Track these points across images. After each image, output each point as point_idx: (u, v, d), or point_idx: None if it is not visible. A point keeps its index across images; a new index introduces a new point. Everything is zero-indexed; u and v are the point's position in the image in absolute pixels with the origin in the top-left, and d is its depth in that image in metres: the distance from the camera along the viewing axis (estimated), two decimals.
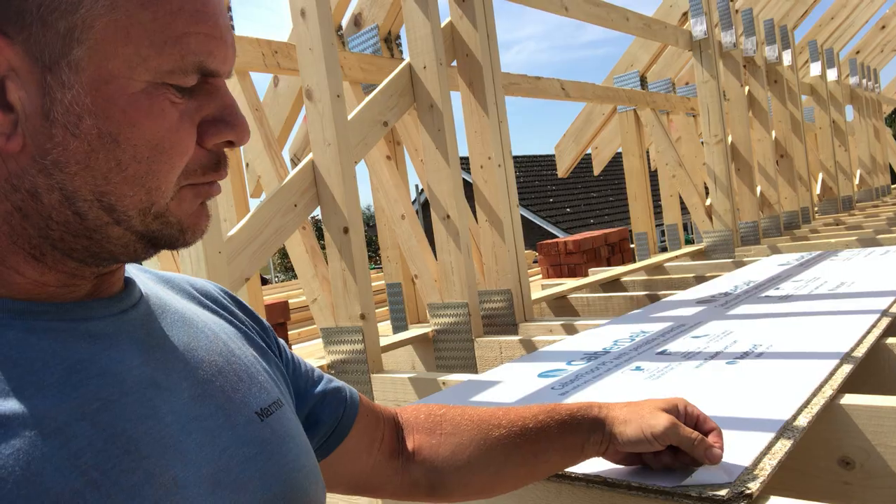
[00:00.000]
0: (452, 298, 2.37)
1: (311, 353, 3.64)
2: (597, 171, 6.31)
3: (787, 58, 5.65)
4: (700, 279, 3.22)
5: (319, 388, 0.75)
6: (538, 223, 15.86)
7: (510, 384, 1.44)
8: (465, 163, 3.02)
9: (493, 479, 0.81)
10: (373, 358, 2.04)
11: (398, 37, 3.07)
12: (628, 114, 4.84)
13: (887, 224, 4.85)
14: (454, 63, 2.56)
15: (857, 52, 8.68)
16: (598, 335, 1.84)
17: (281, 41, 2.61)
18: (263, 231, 1.94)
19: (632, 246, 5.55)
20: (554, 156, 6.01)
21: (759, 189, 4.95)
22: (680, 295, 2.44)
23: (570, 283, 3.46)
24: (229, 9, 2.59)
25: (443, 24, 2.44)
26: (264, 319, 0.73)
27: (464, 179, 2.41)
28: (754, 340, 1.52)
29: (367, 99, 2.27)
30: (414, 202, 14.96)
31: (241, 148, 2.89)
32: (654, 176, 5.11)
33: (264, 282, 15.87)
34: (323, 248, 2.24)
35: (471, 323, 2.34)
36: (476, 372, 2.25)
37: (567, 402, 0.84)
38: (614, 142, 5.80)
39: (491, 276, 2.57)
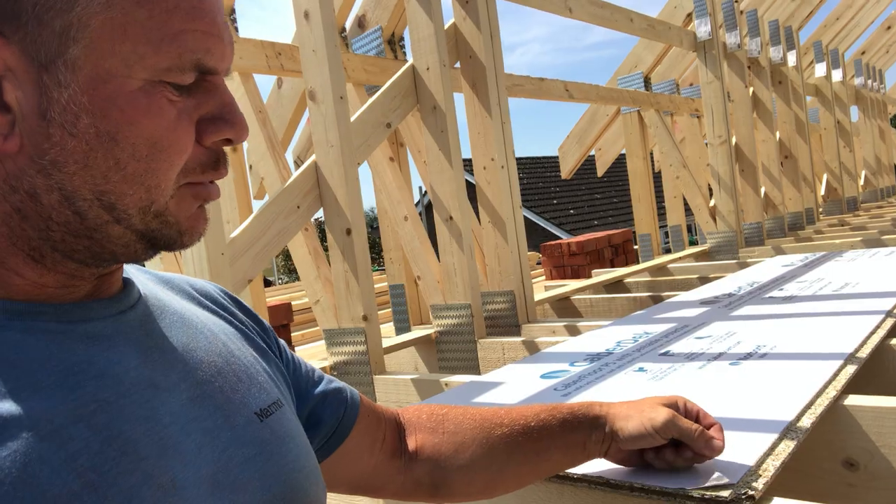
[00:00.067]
0: (455, 300, 2.37)
1: (314, 354, 3.64)
2: (600, 172, 6.30)
3: (791, 58, 5.64)
4: (704, 280, 3.21)
5: (320, 388, 0.75)
6: (542, 225, 15.84)
7: (513, 385, 1.44)
8: (468, 164, 3.01)
9: (495, 477, 0.81)
10: (375, 359, 2.04)
11: (402, 38, 3.07)
12: (632, 115, 4.83)
13: (892, 225, 4.83)
14: (458, 64, 2.56)
15: (863, 53, 8.65)
16: (602, 336, 1.83)
17: (284, 43, 2.62)
18: (266, 233, 1.94)
19: (635, 247, 5.54)
20: (557, 157, 6.00)
21: (763, 190, 4.94)
22: (683, 296, 2.43)
23: (573, 284, 3.45)
24: (233, 10, 2.60)
25: (446, 26, 2.44)
26: (265, 320, 0.73)
27: (467, 181, 2.41)
28: (758, 341, 1.51)
29: (371, 100, 2.27)
30: (417, 204, 14.97)
31: (245, 150, 2.89)
32: (657, 177, 5.11)
33: (268, 283, 15.89)
34: (326, 249, 2.25)
35: (473, 324, 2.33)
36: (479, 373, 2.24)
37: (569, 402, 0.84)
38: (618, 143, 5.79)
39: (494, 277, 2.57)
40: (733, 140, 4.53)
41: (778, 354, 1.38)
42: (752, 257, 4.05)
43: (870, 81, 8.41)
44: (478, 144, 2.53)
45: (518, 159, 17.86)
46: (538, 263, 6.86)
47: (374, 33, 2.99)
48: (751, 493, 0.78)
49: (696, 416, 0.82)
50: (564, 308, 3.07)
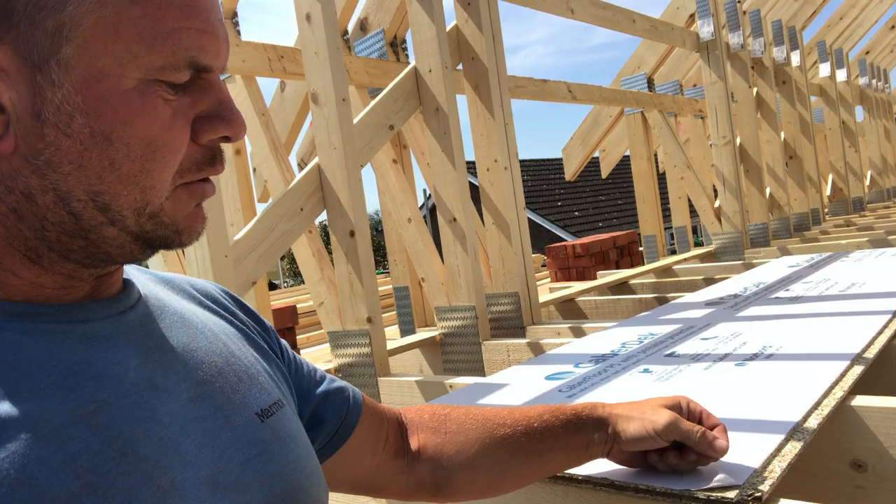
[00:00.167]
0: (459, 301, 2.37)
1: (319, 357, 3.64)
2: (604, 173, 6.29)
3: (795, 59, 5.62)
4: (709, 281, 3.20)
5: (322, 388, 0.74)
6: (546, 227, 15.83)
7: (517, 387, 1.43)
8: (471, 166, 3.02)
9: (497, 477, 0.81)
10: (380, 361, 2.03)
11: (404, 41, 3.08)
12: (636, 116, 4.82)
13: None
14: (460, 66, 2.56)
15: (867, 53, 8.62)
16: (606, 338, 1.83)
17: (287, 46, 2.62)
18: (269, 235, 1.94)
19: (640, 249, 5.53)
20: (561, 159, 6.00)
21: (768, 191, 4.92)
22: (689, 297, 2.42)
23: (578, 286, 3.44)
24: (235, 14, 2.61)
25: (448, 28, 2.44)
26: (266, 320, 0.72)
27: (470, 183, 2.41)
28: (764, 342, 1.50)
29: (373, 102, 2.27)
30: (422, 206, 14.96)
31: (248, 153, 2.90)
32: (662, 178, 5.10)
33: (273, 287, 15.91)
34: (329, 251, 2.24)
35: (478, 326, 2.33)
36: (483, 375, 2.24)
37: (572, 403, 0.84)
38: (622, 144, 5.79)
39: (498, 278, 2.56)
40: (737, 141, 4.52)
41: (784, 355, 1.38)
42: (758, 258, 4.03)
43: (874, 81, 8.38)
44: (481, 146, 2.53)
45: (522, 161, 17.88)
46: (543, 266, 6.85)
47: (377, 36, 2.99)
48: (757, 494, 0.78)
49: (699, 416, 0.81)
50: (569, 310, 3.06)
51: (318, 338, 4.74)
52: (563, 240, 13.10)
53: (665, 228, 5.09)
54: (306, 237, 2.38)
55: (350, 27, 3.13)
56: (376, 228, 20.78)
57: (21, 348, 0.46)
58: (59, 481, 0.42)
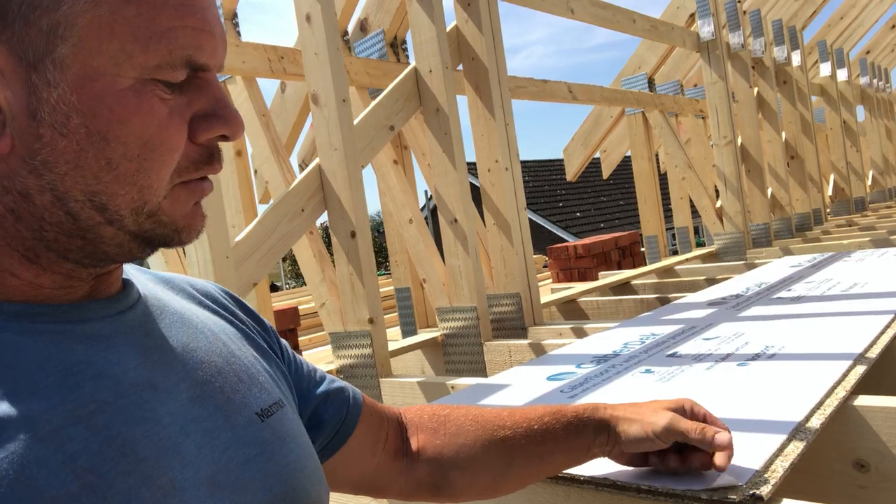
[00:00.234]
0: (461, 302, 2.36)
1: (321, 358, 3.64)
2: (606, 174, 6.29)
3: (796, 58, 5.62)
4: (711, 282, 3.20)
5: (322, 388, 0.74)
6: (548, 228, 15.82)
7: (519, 387, 1.43)
8: (472, 167, 3.02)
9: (497, 479, 0.80)
10: (381, 362, 2.03)
11: (404, 41, 3.08)
12: (637, 116, 4.81)
13: None
14: (460, 67, 2.56)
15: (868, 52, 8.61)
16: (608, 338, 1.82)
17: (287, 47, 2.62)
18: (271, 236, 1.94)
19: (642, 249, 5.52)
20: (563, 160, 6.00)
21: (769, 191, 4.91)
22: (691, 297, 2.42)
23: (579, 286, 3.44)
24: (235, 15, 2.61)
25: (448, 29, 2.44)
26: (266, 320, 0.72)
27: (471, 183, 2.40)
28: (766, 342, 1.50)
29: (374, 103, 2.27)
30: (423, 208, 14.97)
31: (249, 154, 2.90)
32: (663, 178, 5.09)
33: (275, 288, 15.91)
34: (331, 252, 2.24)
35: (480, 327, 2.33)
36: (485, 376, 2.24)
37: (573, 404, 0.83)
38: (623, 145, 5.78)
39: (499, 279, 2.56)
40: (739, 141, 4.52)
41: (786, 355, 1.37)
42: (760, 258, 4.03)
43: (875, 81, 8.37)
44: (482, 147, 2.53)
45: (523, 162, 17.88)
46: (545, 266, 6.85)
47: (377, 36, 2.99)
48: (759, 494, 0.77)
49: (702, 419, 0.80)
50: (571, 310, 3.06)
51: (320, 339, 4.74)
52: (565, 240, 13.09)
53: (667, 229, 5.08)
54: (307, 238, 2.38)
55: (350, 28, 3.13)
56: (377, 229, 20.79)
57: (20, 348, 0.46)
58: (58, 482, 0.42)
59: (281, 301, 6.83)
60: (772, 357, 1.37)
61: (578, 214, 16.85)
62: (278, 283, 22.21)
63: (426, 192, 15.75)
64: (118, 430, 0.47)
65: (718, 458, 0.76)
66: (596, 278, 4.53)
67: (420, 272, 2.60)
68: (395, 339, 2.64)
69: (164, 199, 0.50)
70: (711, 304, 2.16)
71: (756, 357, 1.38)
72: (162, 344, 0.55)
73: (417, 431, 0.81)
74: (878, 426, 1.02)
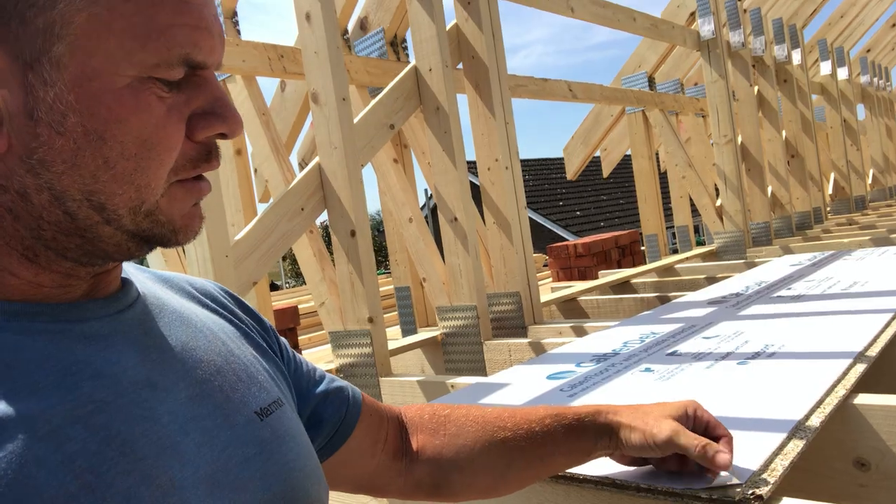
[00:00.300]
0: (461, 301, 2.36)
1: (321, 357, 3.64)
2: (606, 173, 6.28)
3: (796, 57, 5.61)
4: (711, 280, 3.19)
5: (321, 387, 0.74)
6: (548, 226, 15.82)
7: (519, 386, 1.43)
8: (472, 166, 3.02)
9: (497, 480, 0.80)
10: (381, 361, 2.03)
11: (404, 40, 3.07)
12: (637, 115, 4.81)
13: None
14: (460, 66, 2.55)
15: (868, 51, 8.61)
16: (608, 337, 1.82)
17: (287, 45, 2.62)
18: (270, 235, 1.94)
19: (642, 248, 5.52)
20: (563, 158, 5.99)
21: (770, 189, 4.91)
22: (691, 296, 2.42)
23: (579, 285, 3.44)
24: (234, 13, 2.61)
25: (448, 27, 2.44)
26: (265, 319, 0.72)
27: (471, 182, 2.40)
28: (766, 341, 1.50)
29: (373, 102, 2.27)
30: (423, 206, 14.96)
31: (249, 153, 2.90)
32: (663, 177, 5.09)
33: (275, 287, 15.92)
34: (331, 251, 2.25)
35: (479, 326, 2.33)
36: (485, 375, 2.24)
37: (575, 405, 0.83)
38: (623, 143, 5.78)
39: (499, 278, 2.56)
40: (739, 139, 4.51)
41: (786, 354, 1.37)
42: (760, 257, 4.03)
43: (876, 79, 8.36)
44: (482, 145, 2.53)
45: (523, 161, 17.87)
46: (545, 265, 6.85)
47: (377, 35, 2.99)
48: (759, 493, 0.77)
49: (704, 425, 0.79)
50: (571, 309, 3.06)
51: (320, 338, 4.74)
52: (565, 239, 13.09)
53: (667, 227, 5.08)
54: (307, 237, 2.38)
55: (350, 26, 3.13)
56: (377, 228, 20.80)
57: (19, 348, 0.46)
58: (57, 482, 0.42)
59: (281, 300, 6.83)
60: (772, 356, 1.37)
61: (578, 213, 16.85)
62: (278, 282, 22.22)
63: (426, 190, 15.75)
64: (117, 429, 0.46)
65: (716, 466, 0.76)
66: (596, 277, 4.53)
67: (420, 271, 2.60)
68: (394, 338, 2.64)
69: (162, 198, 0.50)
70: (711, 302, 2.16)
71: (756, 356, 1.38)
72: (161, 343, 0.55)
73: (417, 431, 0.81)
74: (878, 425, 1.02)
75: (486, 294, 2.45)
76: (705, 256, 4.29)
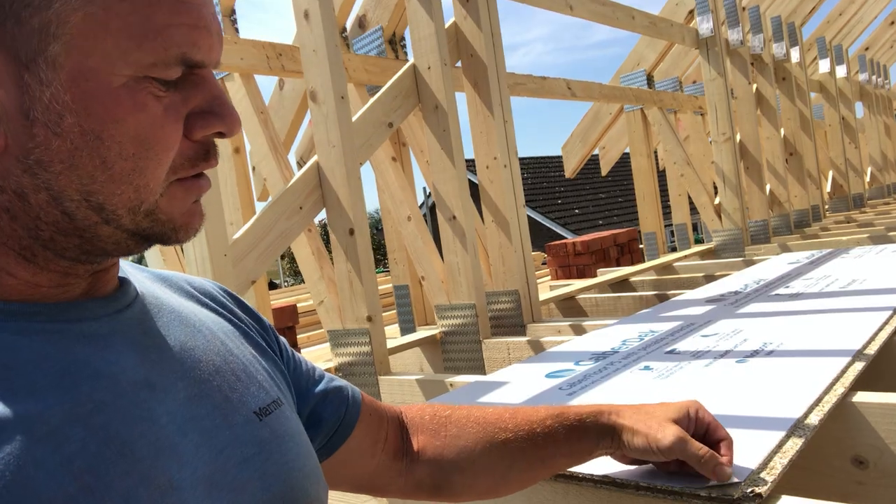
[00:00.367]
0: (459, 300, 2.36)
1: (319, 356, 3.64)
2: (604, 171, 6.29)
3: (794, 55, 5.62)
4: (709, 278, 3.20)
5: (321, 386, 0.74)
6: (546, 225, 15.82)
7: (518, 385, 1.43)
8: (471, 164, 3.01)
9: (498, 481, 0.80)
10: (380, 360, 2.03)
11: (402, 38, 3.07)
12: (635, 113, 4.81)
13: None
14: (459, 64, 2.55)
15: (867, 49, 8.61)
16: (607, 335, 1.82)
17: (285, 43, 2.62)
18: (269, 234, 1.94)
19: (641, 246, 5.53)
20: (561, 157, 5.99)
21: (768, 187, 4.92)
22: (689, 294, 2.42)
23: (578, 283, 3.44)
24: (233, 11, 2.60)
25: (447, 25, 2.44)
26: (265, 318, 0.72)
27: (470, 181, 2.40)
28: (764, 339, 1.50)
29: (372, 100, 2.26)
30: (421, 205, 14.95)
31: (247, 151, 2.89)
32: (662, 175, 5.09)
33: (273, 286, 15.91)
34: (329, 250, 2.24)
35: (478, 324, 2.32)
36: (484, 373, 2.24)
37: (576, 405, 0.82)
38: (622, 141, 5.78)
39: (498, 276, 2.56)
40: (737, 137, 4.52)
41: (785, 352, 1.37)
42: (758, 255, 4.03)
43: (874, 77, 8.37)
44: (480, 143, 2.52)
45: (522, 159, 17.87)
46: (543, 263, 6.85)
47: (375, 33, 2.99)
48: (758, 491, 0.77)
49: (706, 426, 0.79)
50: (570, 307, 3.06)
51: (319, 337, 4.74)
52: (564, 237, 13.09)
53: (665, 225, 5.08)
54: (306, 236, 2.38)
55: (348, 24, 3.13)
56: (376, 227, 20.78)
57: (17, 348, 0.46)
58: (55, 483, 0.42)
59: (279, 299, 6.83)
60: (770, 354, 1.37)
61: (577, 211, 16.85)
62: (277, 281, 22.21)
63: (425, 189, 15.74)
64: (116, 430, 0.46)
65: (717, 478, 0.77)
66: (594, 275, 4.53)
67: (419, 269, 2.60)
68: (393, 336, 2.64)
69: (161, 198, 0.50)
70: (710, 300, 2.16)
71: (755, 354, 1.38)
72: (160, 343, 0.55)
73: (418, 432, 0.81)
74: (876, 422, 1.02)
75: (485, 292, 2.45)
76: (704, 254, 4.29)
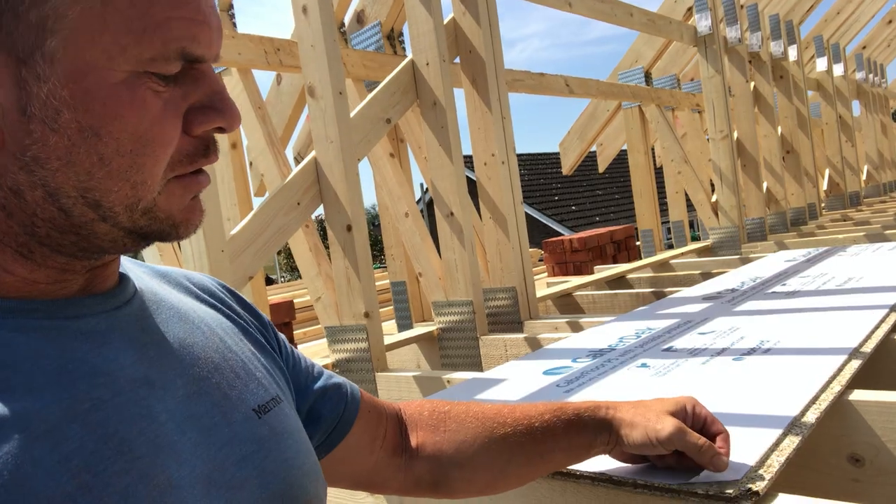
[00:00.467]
0: (457, 296, 2.36)
1: (316, 352, 3.64)
2: (602, 168, 6.29)
3: (792, 53, 5.62)
4: (706, 276, 3.20)
5: (319, 383, 0.74)
6: (543, 221, 15.83)
7: (515, 382, 1.43)
8: (469, 160, 3.01)
9: (496, 477, 0.80)
10: (377, 356, 2.03)
11: (401, 34, 3.06)
12: (633, 110, 4.81)
13: (895, 219, 4.82)
14: (457, 60, 2.55)
15: (864, 48, 8.62)
16: (604, 332, 1.82)
17: (283, 38, 2.61)
18: (266, 229, 1.94)
19: (637, 243, 5.53)
20: (559, 153, 5.99)
21: (765, 185, 4.92)
22: (686, 292, 2.42)
23: (575, 280, 3.44)
24: (230, 6, 2.59)
25: (445, 21, 2.43)
26: (264, 314, 0.72)
27: (468, 177, 2.40)
28: (761, 336, 1.50)
29: (370, 96, 2.26)
30: (419, 201, 14.94)
31: (245, 147, 2.89)
32: (659, 172, 5.10)
33: (270, 282, 15.89)
34: (326, 246, 2.24)
35: (475, 321, 2.33)
36: (481, 370, 2.24)
37: (574, 401, 0.83)
38: (619, 138, 5.78)
39: (495, 273, 2.56)
40: (735, 135, 4.52)
41: (781, 350, 1.38)
42: (755, 252, 4.04)
43: (871, 76, 8.38)
44: (478, 140, 2.52)
45: (519, 155, 17.85)
46: (540, 260, 6.85)
47: (373, 29, 2.98)
48: (755, 488, 0.77)
49: (703, 421, 0.80)
50: (567, 304, 3.06)
51: (315, 333, 4.73)
52: (561, 234, 13.09)
53: (662, 223, 5.09)
54: (303, 232, 2.37)
55: (347, 20, 3.12)
56: (373, 223, 20.77)
57: (14, 345, 0.46)
58: (53, 482, 0.42)
59: (276, 294, 6.82)
60: (767, 352, 1.37)
61: (574, 208, 16.85)
62: (273, 276, 22.18)
63: (422, 185, 15.74)
64: (114, 428, 0.46)
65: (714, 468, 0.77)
66: (591, 272, 4.53)
67: (416, 266, 2.60)
68: (390, 332, 2.64)
69: (159, 195, 0.49)
70: (707, 298, 2.16)
71: (751, 351, 1.38)
72: (158, 340, 0.54)
73: (417, 428, 0.81)
74: (872, 420, 1.02)
75: (483, 289, 2.45)
76: (700, 252, 4.30)
